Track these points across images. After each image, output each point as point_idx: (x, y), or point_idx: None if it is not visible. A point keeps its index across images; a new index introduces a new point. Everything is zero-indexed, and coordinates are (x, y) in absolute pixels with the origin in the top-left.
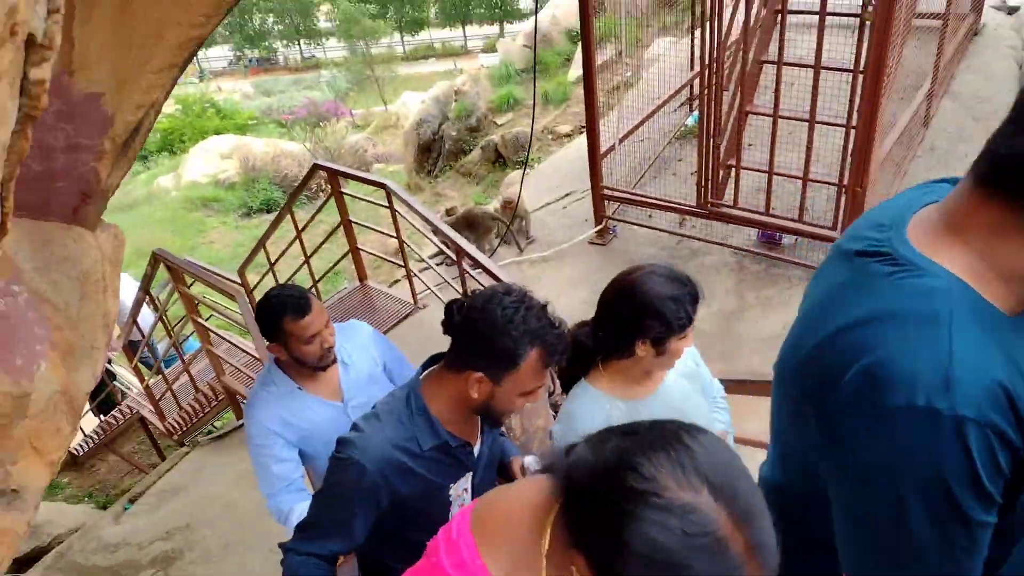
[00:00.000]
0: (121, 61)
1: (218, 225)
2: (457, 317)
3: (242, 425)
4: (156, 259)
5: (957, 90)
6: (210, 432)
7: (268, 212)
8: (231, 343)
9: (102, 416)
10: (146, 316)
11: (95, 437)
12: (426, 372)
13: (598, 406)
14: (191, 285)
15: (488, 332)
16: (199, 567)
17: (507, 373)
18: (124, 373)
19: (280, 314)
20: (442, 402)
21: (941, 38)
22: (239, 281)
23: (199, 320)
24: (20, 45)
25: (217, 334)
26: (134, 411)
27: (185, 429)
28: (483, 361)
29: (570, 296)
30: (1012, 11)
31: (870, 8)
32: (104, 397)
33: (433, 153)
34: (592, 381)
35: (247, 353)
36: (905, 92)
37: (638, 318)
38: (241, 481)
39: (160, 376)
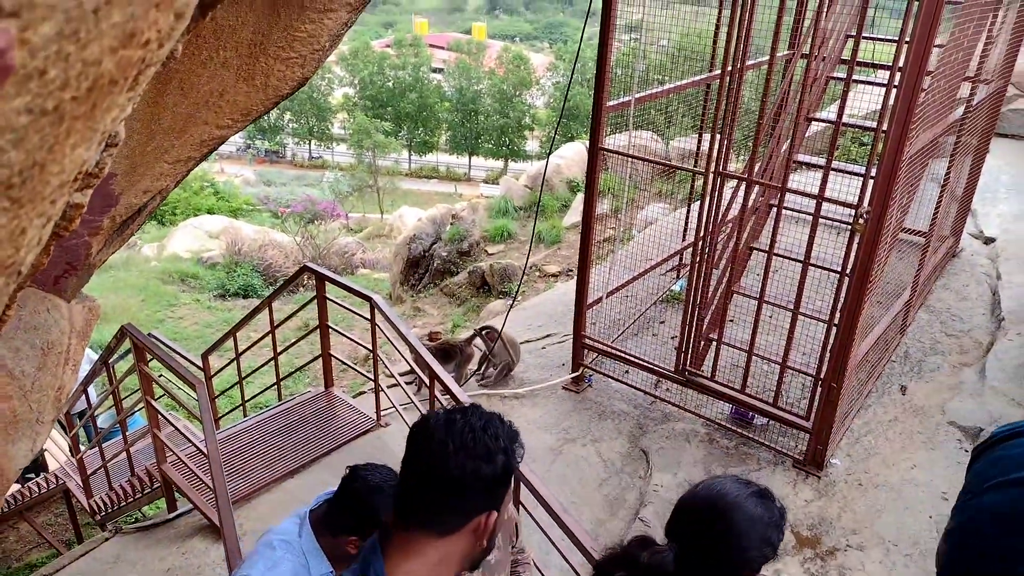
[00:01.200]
0: (140, 148)
1: (190, 302)
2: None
3: (173, 519)
4: (123, 333)
5: (933, 304)
6: (136, 520)
7: (244, 297)
8: (177, 428)
9: (22, 482)
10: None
11: (11, 502)
12: (385, 546)
13: None
14: (150, 361)
15: (483, 463)
16: None
17: (505, 490)
18: (59, 440)
19: (387, 505)
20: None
21: (923, 254)
22: (200, 365)
23: (152, 402)
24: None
25: (166, 418)
26: (60, 481)
27: (111, 511)
28: (484, 498)
29: (536, 439)
30: (988, 241)
31: (862, 220)
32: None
33: (420, 269)
34: None
35: (192, 443)
36: (885, 298)
37: (752, 549)
38: None
39: (97, 449)
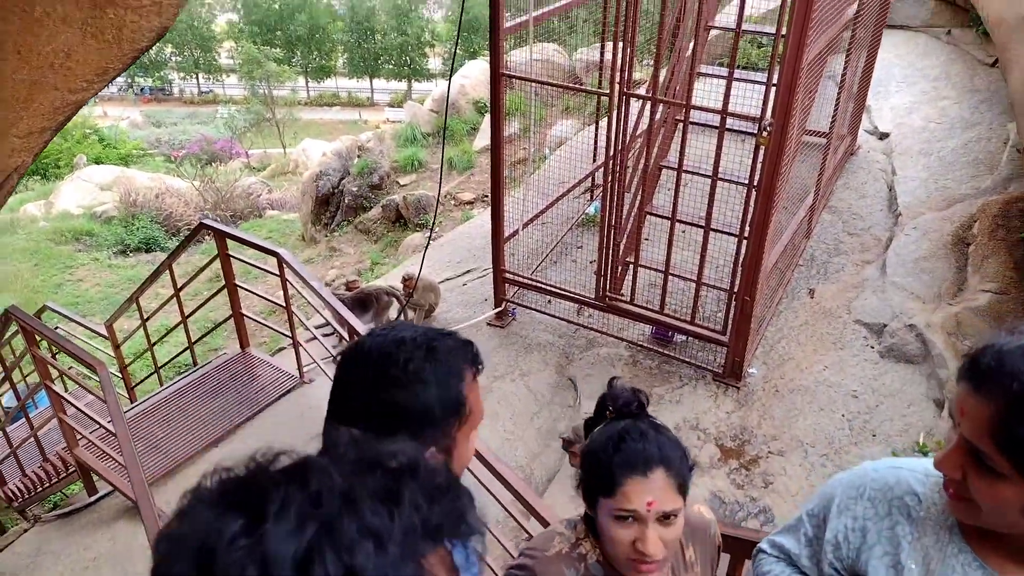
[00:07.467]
0: None
1: (89, 262)
2: None
3: (93, 503)
4: (8, 317)
5: (835, 205)
6: (55, 507)
7: (147, 252)
8: (81, 410)
9: None
10: None
11: None
12: None
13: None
14: (41, 341)
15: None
16: None
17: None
18: None
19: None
20: None
21: (824, 156)
22: (106, 334)
23: (51, 386)
24: None
25: (70, 401)
26: None
27: (28, 497)
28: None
29: None
30: (883, 136)
31: (765, 132)
32: None
33: (331, 206)
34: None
35: (100, 425)
36: (791, 204)
37: None
38: (86, 571)
39: (2, 434)
